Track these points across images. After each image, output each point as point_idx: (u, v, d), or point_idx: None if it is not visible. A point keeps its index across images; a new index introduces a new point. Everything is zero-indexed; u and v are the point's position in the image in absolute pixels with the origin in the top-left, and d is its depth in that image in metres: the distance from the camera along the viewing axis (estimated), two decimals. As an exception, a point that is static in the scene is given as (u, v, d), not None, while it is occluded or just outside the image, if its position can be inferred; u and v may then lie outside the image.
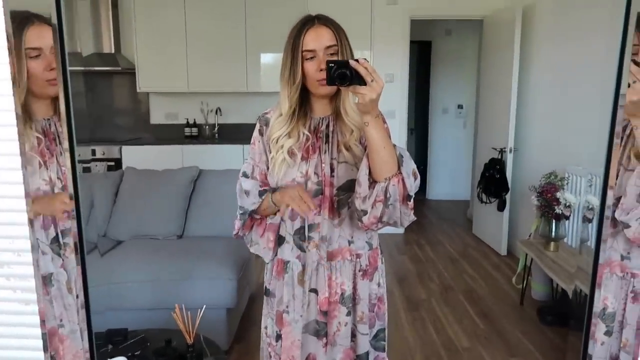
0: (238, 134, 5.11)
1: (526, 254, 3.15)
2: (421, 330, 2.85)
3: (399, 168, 1.24)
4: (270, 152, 1.35)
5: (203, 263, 2.50)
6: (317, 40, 1.25)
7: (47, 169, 0.96)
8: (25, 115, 0.91)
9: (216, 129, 5.11)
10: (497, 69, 4.29)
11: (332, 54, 1.26)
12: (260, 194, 1.36)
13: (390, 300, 3.23)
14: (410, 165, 1.27)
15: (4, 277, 1.02)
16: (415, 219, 1.34)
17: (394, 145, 1.25)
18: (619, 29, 0.92)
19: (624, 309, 1.23)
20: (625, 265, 1.23)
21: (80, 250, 0.87)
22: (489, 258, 4.13)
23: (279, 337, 1.42)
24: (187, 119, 5.07)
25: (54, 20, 0.82)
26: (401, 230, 4.82)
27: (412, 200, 1.27)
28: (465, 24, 5.55)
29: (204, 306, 1.66)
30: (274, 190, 1.35)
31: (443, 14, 4.76)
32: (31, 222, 0.93)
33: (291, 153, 1.32)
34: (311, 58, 1.26)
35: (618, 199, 1.15)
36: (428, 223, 5.31)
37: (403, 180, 1.23)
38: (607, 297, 1.21)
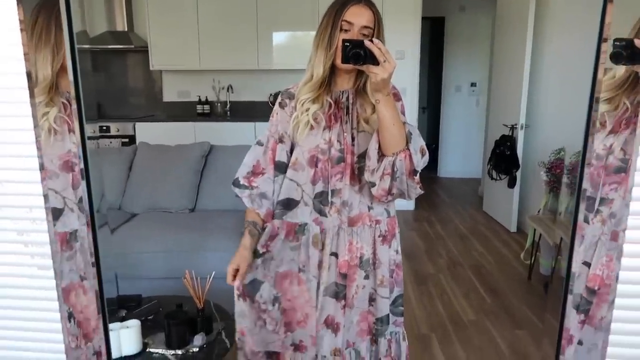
0: (250, 111, 5.14)
1: (534, 230, 3.16)
2: (428, 304, 2.90)
3: (407, 144, 1.29)
4: (294, 114, 1.41)
5: (214, 236, 2.56)
6: (359, 16, 1.31)
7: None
8: (53, 88, 0.94)
9: (228, 106, 5.14)
10: (510, 46, 4.24)
11: (365, 34, 1.31)
12: (235, 183, 1.47)
13: (398, 275, 3.29)
14: (418, 142, 1.32)
15: (22, 244, 1.08)
16: (423, 192, 1.39)
17: (405, 123, 1.31)
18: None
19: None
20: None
21: (90, 215, 0.93)
22: (498, 235, 4.14)
23: (276, 300, 1.46)
24: (199, 97, 5.11)
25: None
26: (412, 207, 4.85)
27: (418, 175, 1.32)
28: (479, 0, 5.47)
29: (213, 272, 1.72)
30: (250, 231, 1.44)
31: (456, -11, 4.69)
32: (46, 197, 0.98)
33: (315, 118, 1.38)
34: (347, 30, 1.31)
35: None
36: (439, 200, 5.32)
37: (410, 155, 1.29)
38: None
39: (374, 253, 1.45)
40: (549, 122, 3.85)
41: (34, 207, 1.04)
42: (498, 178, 4.17)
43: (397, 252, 1.50)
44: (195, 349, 1.66)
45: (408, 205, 4.80)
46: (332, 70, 1.38)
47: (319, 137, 1.39)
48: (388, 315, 1.49)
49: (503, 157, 4.04)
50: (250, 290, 1.46)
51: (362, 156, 1.38)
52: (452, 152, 6.27)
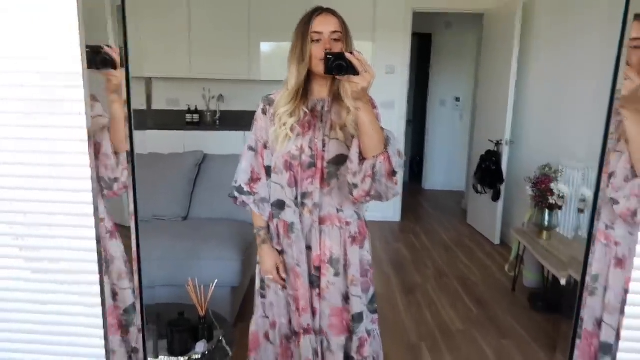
0: (239, 121, 5.16)
1: (519, 243, 3.26)
2: (416, 313, 2.96)
3: (385, 148, 1.40)
4: (274, 127, 1.52)
5: (209, 244, 2.58)
6: (325, 24, 1.44)
7: None
8: None
9: (217, 115, 5.16)
10: (496, 63, 4.37)
11: (335, 39, 1.43)
12: (239, 190, 1.58)
13: (387, 284, 3.36)
14: (395, 146, 1.43)
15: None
16: (400, 193, 1.50)
17: (382, 128, 1.42)
18: (616, 25, 1.01)
19: (607, 274, 1.37)
20: (609, 234, 1.38)
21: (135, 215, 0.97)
22: (482, 247, 4.24)
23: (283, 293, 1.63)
24: (189, 105, 5.12)
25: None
26: (398, 219, 4.92)
27: (397, 175, 1.43)
28: (465, 18, 5.62)
29: (216, 280, 1.75)
30: (263, 240, 1.61)
31: (445, 7, 4.82)
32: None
33: (292, 129, 1.50)
34: (317, 40, 1.43)
35: (608, 179, 1.28)
36: (424, 212, 5.41)
37: (389, 158, 1.40)
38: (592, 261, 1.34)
39: (345, 254, 1.57)
40: (533, 139, 3.98)
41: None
42: (483, 192, 4.28)
43: (369, 252, 1.63)
44: (198, 356, 1.69)
45: (394, 216, 4.88)
46: (309, 80, 1.50)
47: (291, 144, 1.51)
48: (361, 313, 1.59)
49: (488, 172, 4.15)
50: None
51: (332, 162, 1.51)
52: (436, 165, 6.38)
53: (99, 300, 1.06)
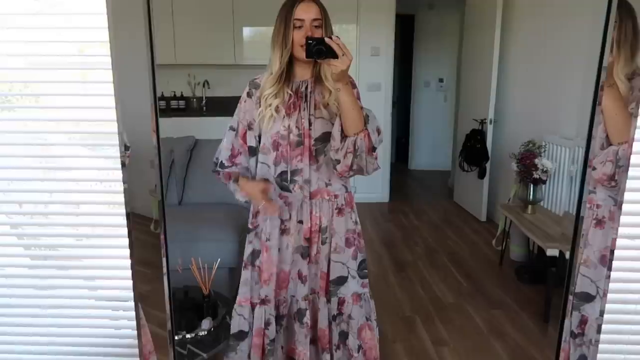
0: (226, 106, 5.15)
1: (505, 218, 3.36)
2: (409, 289, 3.06)
3: (365, 125, 1.50)
4: (259, 109, 1.60)
5: (206, 226, 2.63)
6: (307, 12, 1.52)
7: None
8: None
9: (204, 101, 5.15)
10: (478, 43, 4.44)
11: (316, 26, 1.51)
12: (220, 165, 1.69)
13: (379, 262, 3.44)
14: (374, 123, 1.55)
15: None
16: (380, 168, 1.62)
17: (361, 107, 1.52)
18: (596, 6, 1.08)
19: (587, 234, 1.52)
20: (591, 198, 1.53)
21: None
22: (469, 224, 4.35)
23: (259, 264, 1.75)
24: (174, 92, 5.10)
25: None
26: (387, 199, 5.00)
27: (376, 151, 1.55)
28: (447, -2, 5.67)
29: (219, 259, 1.81)
30: (235, 180, 1.68)
31: (428, -12, 4.85)
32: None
33: (277, 110, 1.58)
34: (299, 27, 1.52)
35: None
36: (411, 192, 5.52)
37: (369, 135, 1.50)
38: None
39: (331, 223, 1.68)
40: (516, 117, 4.08)
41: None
42: (469, 170, 4.38)
43: (355, 222, 1.73)
44: (204, 333, 1.75)
45: (383, 197, 4.96)
46: (291, 64, 1.58)
47: (278, 124, 1.60)
48: (342, 277, 1.72)
49: (474, 150, 4.25)
50: (252, 259, 1.73)
51: (319, 139, 1.61)
52: (422, 145, 6.46)
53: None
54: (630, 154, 1.19)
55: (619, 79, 1.36)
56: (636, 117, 1.21)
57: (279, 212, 1.65)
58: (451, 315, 2.74)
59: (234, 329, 1.72)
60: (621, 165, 1.39)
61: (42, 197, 1.28)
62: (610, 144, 1.40)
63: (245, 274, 1.75)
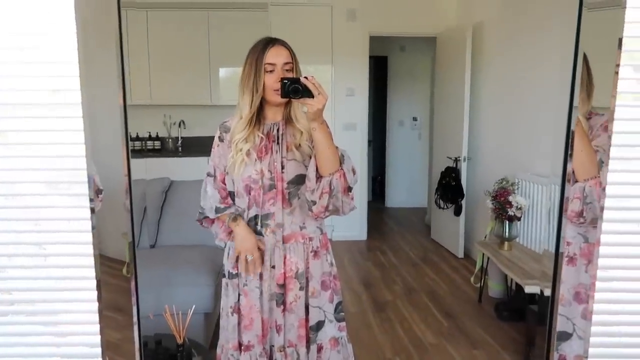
0: (202, 146, 5.13)
1: (482, 255, 3.37)
2: (389, 329, 3.01)
3: (340, 165, 1.50)
4: (230, 155, 1.59)
5: (180, 270, 2.56)
6: (278, 56, 1.53)
7: None
8: None
9: (180, 142, 5.12)
10: (450, 83, 4.57)
11: (287, 70, 1.52)
12: (217, 210, 1.63)
13: (358, 303, 3.39)
14: (349, 163, 1.54)
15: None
16: (356, 207, 1.61)
17: (336, 147, 1.52)
18: (563, 46, 1.12)
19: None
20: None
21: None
22: (447, 261, 4.35)
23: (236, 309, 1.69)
24: (150, 132, 5.06)
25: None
26: (364, 237, 4.99)
27: (352, 191, 1.55)
28: (418, 41, 5.84)
29: (193, 306, 1.75)
30: (234, 218, 1.62)
31: (400, 32, 5.00)
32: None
33: (248, 154, 1.56)
34: (271, 71, 1.52)
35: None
36: (388, 230, 5.51)
37: (344, 174, 1.50)
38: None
39: (307, 267, 1.65)
40: (490, 154, 4.17)
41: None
42: (445, 207, 4.41)
43: (331, 264, 1.71)
44: (178, 384, 1.66)
45: (360, 235, 4.95)
46: (262, 107, 1.58)
47: (250, 168, 1.58)
48: (320, 322, 1.68)
49: (449, 187, 4.30)
50: (234, 304, 1.67)
51: (292, 182, 1.59)
52: (398, 183, 6.52)
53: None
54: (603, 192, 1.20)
55: (581, 117, 1.40)
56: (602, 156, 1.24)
57: (257, 271, 1.63)
58: (432, 356, 2.69)
59: None
60: (589, 202, 1.41)
61: (8, 237, 1.21)
62: (577, 181, 1.41)
63: (230, 320, 1.70)
